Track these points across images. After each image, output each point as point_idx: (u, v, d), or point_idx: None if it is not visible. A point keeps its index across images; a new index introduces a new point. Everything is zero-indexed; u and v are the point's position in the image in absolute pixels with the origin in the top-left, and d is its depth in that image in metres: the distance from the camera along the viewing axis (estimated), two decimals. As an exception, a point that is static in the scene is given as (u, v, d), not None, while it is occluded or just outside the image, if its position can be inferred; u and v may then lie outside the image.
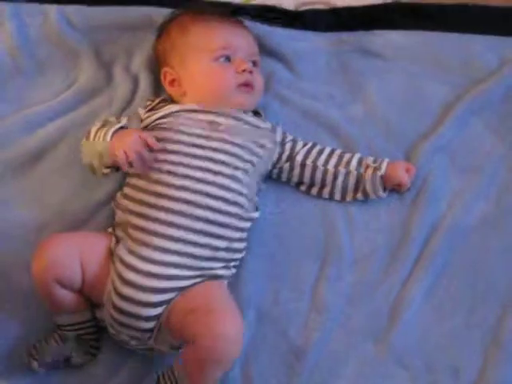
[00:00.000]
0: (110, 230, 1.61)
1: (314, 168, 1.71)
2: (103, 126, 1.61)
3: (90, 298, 1.56)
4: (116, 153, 1.52)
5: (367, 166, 1.71)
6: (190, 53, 1.68)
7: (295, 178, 1.73)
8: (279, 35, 1.90)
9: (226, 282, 1.59)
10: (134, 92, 1.82)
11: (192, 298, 1.49)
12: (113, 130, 1.56)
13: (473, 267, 1.68)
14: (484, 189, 1.76)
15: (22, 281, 1.60)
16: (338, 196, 1.72)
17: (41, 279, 1.50)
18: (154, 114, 1.66)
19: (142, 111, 1.70)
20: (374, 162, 1.71)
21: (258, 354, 1.60)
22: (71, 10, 1.90)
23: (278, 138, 1.72)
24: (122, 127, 1.60)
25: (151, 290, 1.48)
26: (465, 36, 1.92)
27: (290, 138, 1.74)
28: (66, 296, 1.52)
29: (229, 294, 1.55)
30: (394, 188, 1.73)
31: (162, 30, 1.77)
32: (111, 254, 1.55)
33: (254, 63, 1.72)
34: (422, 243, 1.70)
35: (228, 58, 1.67)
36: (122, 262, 1.51)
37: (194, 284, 1.52)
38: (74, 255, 1.51)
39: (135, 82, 1.84)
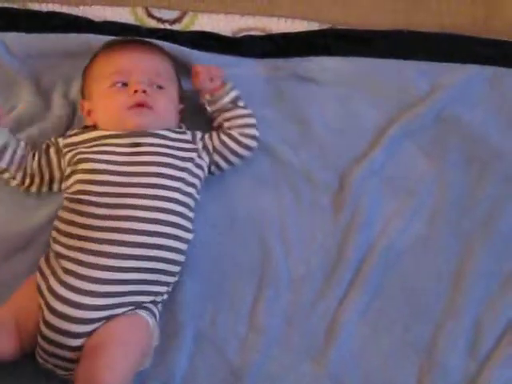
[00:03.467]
0: (41, 260, 1.58)
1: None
2: None
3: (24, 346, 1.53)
4: None
5: None
6: (93, 82, 1.71)
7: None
8: (216, 61, 1.88)
9: (155, 309, 1.58)
10: (72, 119, 1.82)
11: (94, 339, 1.48)
12: None
13: (407, 287, 1.72)
14: (417, 211, 1.79)
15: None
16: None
17: None
18: (74, 145, 1.66)
19: (60, 140, 1.70)
20: None
21: (196, 377, 1.61)
22: (10, 37, 1.87)
23: (199, 145, 1.72)
24: None
25: (79, 321, 1.48)
26: (398, 62, 1.94)
27: (207, 136, 1.75)
28: None
29: (142, 333, 1.54)
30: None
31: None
32: (38, 288, 1.53)
33: (160, 86, 1.70)
34: (357, 264, 1.73)
35: (125, 84, 1.67)
36: (52, 292, 1.50)
37: (123, 313, 1.52)
38: (10, 328, 1.50)
39: (73, 109, 1.83)
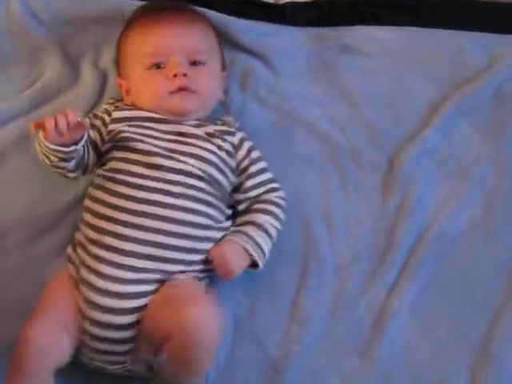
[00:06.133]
0: (68, 249, 1.55)
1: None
2: None
3: None
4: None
5: None
6: (127, 61, 1.65)
7: None
8: (257, 30, 1.84)
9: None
10: (102, 89, 1.76)
11: (164, 295, 1.44)
12: None
13: (461, 277, 1.66)
14: (472, 194, 1.73)
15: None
16: None
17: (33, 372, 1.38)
18: (118, 121, 1.59)
19: (109, 107, 1.64)
20: None
21: (234, 370, 1.56)
22: (36, 1, 1.81)
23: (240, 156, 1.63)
24: None
25: (120, 312, 1.43)
26: (453, 33, 1.87)
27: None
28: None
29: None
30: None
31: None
32: (75, 283, 1.48)
33: (197, 62, 1.61)
34: (408, 251, 1.67)
35: (160, 65, 1.59)
36: (86, 284, 1.45)
37: None
38: (59, 333, 1.42)
39: (104, 78, 1.78)
